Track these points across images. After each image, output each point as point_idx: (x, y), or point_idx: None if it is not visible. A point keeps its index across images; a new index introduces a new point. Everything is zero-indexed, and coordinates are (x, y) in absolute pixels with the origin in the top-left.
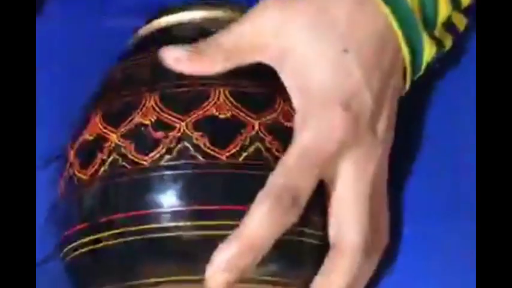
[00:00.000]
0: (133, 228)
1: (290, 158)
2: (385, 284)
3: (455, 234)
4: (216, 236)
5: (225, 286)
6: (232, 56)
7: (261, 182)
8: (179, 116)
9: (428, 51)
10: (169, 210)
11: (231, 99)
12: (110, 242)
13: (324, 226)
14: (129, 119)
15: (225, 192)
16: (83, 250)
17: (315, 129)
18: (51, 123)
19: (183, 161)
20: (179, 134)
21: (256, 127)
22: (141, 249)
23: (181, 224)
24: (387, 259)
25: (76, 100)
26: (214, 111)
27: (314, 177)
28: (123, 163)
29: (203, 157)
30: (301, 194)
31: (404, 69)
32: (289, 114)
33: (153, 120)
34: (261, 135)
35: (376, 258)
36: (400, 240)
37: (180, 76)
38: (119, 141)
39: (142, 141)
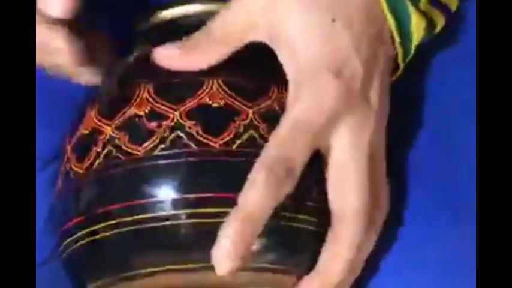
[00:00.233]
0: (129, 219)
1: (282, 129)
2: (385, 283)
3: (455, 235)
4: (211, 223)
5: (235, 265)
6: (226, 42)
7: None
8: (173, 106)
9: (416, 22)
10: (164, 199)
11: (225, 88)
12: (107, 233)
13: (320, 211)
14: (123, 111)
15: (220, 180)
16: (81, 243)
17: (306, 99)
18: (51, 123)
19: (176, 150)
20: (172, 124)
21: (250, 115)
22: (137, 239)
23: (176, 212)
24: (387, 259)
25: (76, 100)
26: (208, 100)
27: (308, 147)
28: (117, 154)
29: (196, 145)
30: (295, 165)
31: (394, 41)
32: (284, 102)
33: (147, 111)
34: (255, 122)
35: (377, 227)
36: (400, 240)
37: None
38: (113, 133)
39: (137, 132)
